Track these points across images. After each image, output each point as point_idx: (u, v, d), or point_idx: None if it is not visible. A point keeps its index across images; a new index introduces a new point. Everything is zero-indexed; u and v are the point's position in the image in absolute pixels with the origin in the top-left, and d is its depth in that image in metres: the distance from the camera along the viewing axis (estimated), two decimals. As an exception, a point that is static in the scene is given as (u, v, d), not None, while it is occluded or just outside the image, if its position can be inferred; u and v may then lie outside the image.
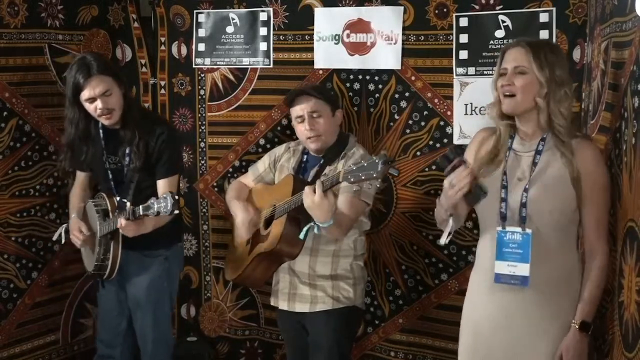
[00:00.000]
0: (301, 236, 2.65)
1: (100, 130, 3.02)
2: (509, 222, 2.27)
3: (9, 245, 3.43)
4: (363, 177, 2.34)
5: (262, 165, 3.13)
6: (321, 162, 2.91)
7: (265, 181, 3.09)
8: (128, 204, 2.79)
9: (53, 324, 3.68)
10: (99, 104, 2.87)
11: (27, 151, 3.47)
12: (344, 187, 2.66)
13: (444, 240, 2.38)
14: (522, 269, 2.23)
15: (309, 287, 2.87)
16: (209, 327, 3.86)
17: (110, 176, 3.05)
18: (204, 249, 3.82)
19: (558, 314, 2.26)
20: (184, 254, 3.84)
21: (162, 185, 2.98)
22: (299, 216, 2.70)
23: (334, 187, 2.55)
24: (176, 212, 2.70)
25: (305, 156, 2.99)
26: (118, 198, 2.95)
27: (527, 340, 2.28)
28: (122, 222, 2.78)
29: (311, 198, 2.51)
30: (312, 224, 2.61)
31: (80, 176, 3.24)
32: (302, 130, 2.91)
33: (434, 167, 3.25)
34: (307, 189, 2.54)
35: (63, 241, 3.25)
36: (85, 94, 2.87)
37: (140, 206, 2.74)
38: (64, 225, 3.24)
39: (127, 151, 2.98)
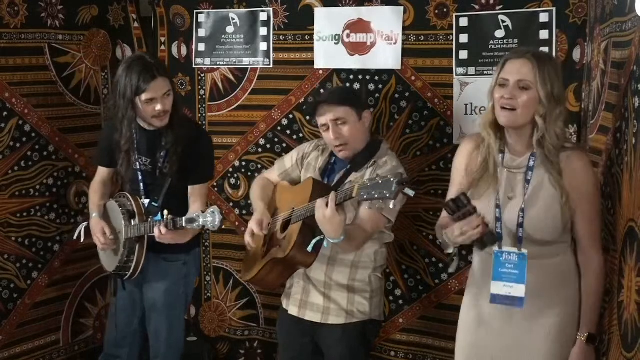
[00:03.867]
0: (309, 249, 2.57)
1: (134, 131, 2.96)
2: (504, 242, 2.25)
3: (9, 245, 3.43)
4: (376, 196, 2.25)
5: (289, 160, 3.02)
6: (348, 167, 2.78)
7: (291, 177, 2.98)
8: (166, 212, 2.77)
9: (53, 324, 3.69)
10: (158, 105, 2.84)
11: (27, 151, 3.47)
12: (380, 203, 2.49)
13: (453, 268, 2.45)
14: (518, 290, 2.21)
15: (323, 298, 2.78)
16: (209, 327, 3.86)
17: (140, 177, 3.01)
18: (204, 249, 3.81)
19: (555, 313, 2.26)
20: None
21: (194, 190, 2.98)
22: (314, 225, 2.59)
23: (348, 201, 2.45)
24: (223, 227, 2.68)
25: (334, 158, 2.87)
26: (147, 201, 2.95)
27: (525, 341, 2.28)
28: (162, 229, 2.75)
29: (322, 212, 2.42)
30: (322, 237, 2.52)
31: (102, 171, 3.19)
32: (329, 138, 2.77)
33: (434, 167, 3.25)
34: (319, 201, 2.44)
35: (82, 239, 3.21)
36: (146, 95, 2.81)
37: (183, 218, 2.71)
38: (84, 224, 3.19)
39: (162, 154, 2.95)
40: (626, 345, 1.93)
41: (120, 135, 2.94)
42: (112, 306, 3.26)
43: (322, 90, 3.36)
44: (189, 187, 2.99)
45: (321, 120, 2.77)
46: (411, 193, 2.26)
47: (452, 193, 2.40)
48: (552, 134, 2.20)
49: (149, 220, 2.87)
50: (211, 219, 2.64)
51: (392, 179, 2.23)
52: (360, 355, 2.85)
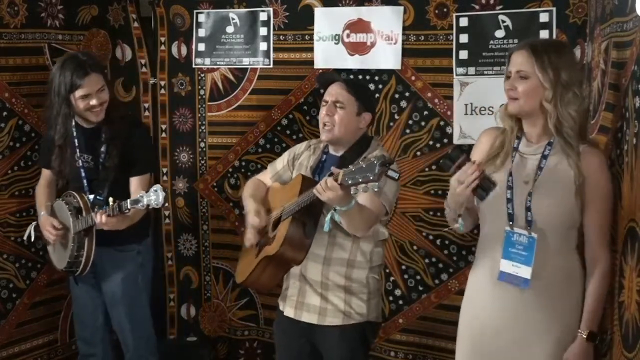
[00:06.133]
0: (325, 228, 2.55)
1: (74, 129, 3.04)
2: (515, 223, 2.27)
3: (8, 245, 3.43)
4: (360, 180, 2.24)
5: (280, 162, 3.01)
6: (338, 163, 2.73)
7: (283, 179, 2.96)
8: (111, 199, 2.82)
9: (52, 324, 3.69)
10: (93, 100, 2.93)
11: (26, 151, 3.47)
12: (364, 187, 2.44)
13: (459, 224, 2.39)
14: (525, 271, 2.23)
15: (320, 298, 2.75)
16: (208, 327, 3.86)
17: (83, 174, 3.06)
18: (204, 249, 3.82)
19: (559, 315, 2.25)
20: (184, 253, 3.86)
21: (135, 182, 3.04)
22: (304, 219, 2.61)
23: None
24: (167, 204, 2.72)
25: (325, 156, 2.86)
26: (92, 196, 3.00)
27: (528, 341, 2.27)
28: (102, 217, 2.81)
29: (329, 194, 2.38)
30: (332, 211, 2.50)
31: (46, 173, 3.24)
32: (322, 114, 2.78)
33: (434, 167, 3.25)
34: (317, 188, 2.43)
35: (33, 239, 3.27)
36: (81, 91, 2.91)
37: (128, 200, 2.77)
38: (34, 223, 3.25)
39: (103, 149, 3.02)
40: (627, 345, 1.93)
41: (54, 131, 3.01)
42: (73, 306, 3.33)
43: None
44: (131, 179, 3.05)
45: (326, 95, 2.79)
46: (395, 175, 2.26)
47: None
48: (566, 117, 2.21)
49: (95, 210, 2.91)
50: (154, 197, 2.70)
51: (375, 162, 2.21)
52: (360, 357, 2.85)
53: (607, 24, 2.43)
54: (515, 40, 3.00)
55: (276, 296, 3.03)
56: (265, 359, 3.77)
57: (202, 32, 3.67)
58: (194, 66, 3.71)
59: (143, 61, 3.79)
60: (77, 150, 3.05)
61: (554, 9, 2.94)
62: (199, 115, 3.73)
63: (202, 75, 3.70)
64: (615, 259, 2.17)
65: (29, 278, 3.53)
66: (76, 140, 3.05)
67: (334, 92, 2.75)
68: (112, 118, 3.03)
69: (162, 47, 3.76)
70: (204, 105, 3.72)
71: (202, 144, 3.74)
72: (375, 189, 2.27)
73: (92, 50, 3.73)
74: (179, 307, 3.91)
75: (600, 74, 2.48)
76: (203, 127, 3.73)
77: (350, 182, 2.29)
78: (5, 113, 3.37)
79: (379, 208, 2.65)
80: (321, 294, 2.75)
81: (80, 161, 3.06)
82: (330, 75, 3.00)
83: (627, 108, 2.08)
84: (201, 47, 3.68)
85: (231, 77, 3.64)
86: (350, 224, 2.58)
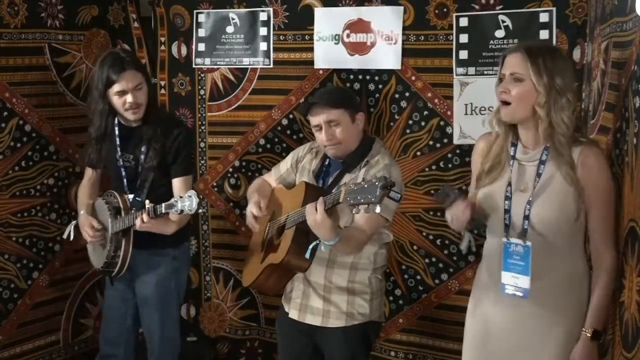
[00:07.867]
0: (307, 255, 2.55)
1: (116, 128, 3.04)
2: (512, 233, 2.26)
3: (9, 246, 3.43)
4: (362, 201, 2.24)
5: (284, 165, 3.01)
6: (341, 169, 2.77)
7: (287, 182, 2.97)
8: (147, 201, 2.81)
9: (54, 324, 3.69)
10: (129, 97, 2.91)
11: (27, 151, 3.47)
12: (365, 207, 2.40)
13: (463, 246, 2.44)
14: (523, 281, 2.23)
15: (323, 301, 2.77)
16: (209, 327, 3.86)
17: (124, 174, 3.06)
18: (204, 249, 3.82)
19: (564, 319, 2.24)
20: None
21: (178, 183, 3.02)
22: (307, 229, 2.57)
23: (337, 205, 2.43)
24: (201, 210, 2.80)
25: (328, 159, 2.84)
26: (131, 196, 2.99)
27: (533, 345, 2.26)
28: (144, 217, 2.79)
29: (313, 217, 2.41)
30: (317, 241, 2.50)
31: (90, 173, 3.23)
32: (320, 138, 2.75)
33: (434, 167, 3.25)
34: (308, 207, 2.43)
35: (72, 238, 3.25)
36: (116, 87, 2.90)
37: (163, 204, 2.76)
38: (74, 222, 3.23)
39: (143, 149, 3.00)
40: (626, 345, 1.93)
41: (102, 129, 3.01)
42: (104, 306, 3.31)
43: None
44: (173, 181, 3.04)
45: (314, 120, 2.74)
46: (397, 197, 2.27)
47: (472, 187, 2.47)
48: (559, 124, 2.18)
49: (132, 212, 2.91)
50: (188, 202, 2.69)
51: (376, 183, 2.21)
52: (361, 357, 2.85)
53: (607, 24, 2.43)
54: (515, 40, 3.00)
55: (278, 296, 3.04)
56: (266, 359, 3.77)
57: (202, 32, 3.67)
58: (194, 66, 3.71)
59: (143, 61, 3.78)
60: (119, 149, 3.04)
61: (554, 9, 2.95)
62: (199, 115, 3.73)
63: (202, 75, 3.71)
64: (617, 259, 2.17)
65: (30, 278, 3.53)
66: (118, 139, 3.04)
67: (320, 113, 2.71)
68: (151, 117, 3.01)
69: (162, 47, 3.76)
70: (204, 105, 3.72)
71: (202, 144, 3.74)
72: (377, 211, 2.26)
73: (93, 50, 3.72)
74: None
75: (600, 74, 2.48)
76: (203, 127, 3.73)
77: (352, 201, 2.28)
78: (5, 113, 3.36)
79: (377, 225, 2.66)
80: (324, 296, 2.76)
81: (121, 160, 3.05)
82: (307, 102, 2.96)
83: (627, 108, 2.08)
84: (201, 47, 3.68)
85: (231, 77, 3.65)
86: (338, 252, 2.63)
